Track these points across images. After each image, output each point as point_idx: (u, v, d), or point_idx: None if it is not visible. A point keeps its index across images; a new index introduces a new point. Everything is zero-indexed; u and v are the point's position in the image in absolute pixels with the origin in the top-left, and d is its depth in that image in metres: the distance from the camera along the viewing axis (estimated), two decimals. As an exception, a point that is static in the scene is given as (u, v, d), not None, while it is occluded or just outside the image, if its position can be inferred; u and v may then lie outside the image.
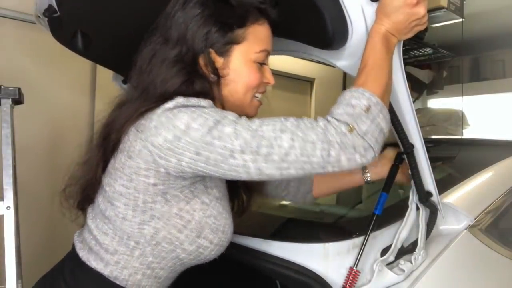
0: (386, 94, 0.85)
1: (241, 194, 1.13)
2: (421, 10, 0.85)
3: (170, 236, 0.88)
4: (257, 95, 0.98)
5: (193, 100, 0.84)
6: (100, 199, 0.93)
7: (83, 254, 0.93)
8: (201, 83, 0.90)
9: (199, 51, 0.91)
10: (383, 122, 0.80)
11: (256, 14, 0.93)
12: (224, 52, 0.92)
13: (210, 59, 0.91)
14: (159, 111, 0.82)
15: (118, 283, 0.89)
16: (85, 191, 0.99)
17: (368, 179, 1.21)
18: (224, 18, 0.90)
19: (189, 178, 0.85)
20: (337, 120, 0.79)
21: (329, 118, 0.80)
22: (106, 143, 0.93)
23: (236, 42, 0.92)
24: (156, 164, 0.82)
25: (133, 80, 0.96)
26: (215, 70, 0.92)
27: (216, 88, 0.93)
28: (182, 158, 0.80)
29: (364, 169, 1.22)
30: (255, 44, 0.93)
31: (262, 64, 0.96)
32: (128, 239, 0.88)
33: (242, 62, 0.93)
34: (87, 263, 0.91)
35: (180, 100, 0.83)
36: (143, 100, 0.89)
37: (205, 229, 0.89)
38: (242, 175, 0.80)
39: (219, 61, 0.92)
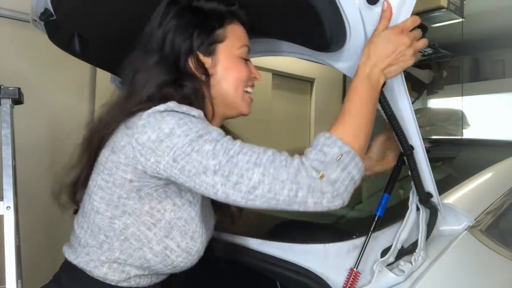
0: (361, 138, 0.83)
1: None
2: (406, 39, 0.87)
3: (138, 233, 0.90)
4: (248, 89, 1.03)
5: (184, 108, 0.86)
6: (84, 195, 0.97)
7: (65, 248, 0.99)
8: (190, 84, 0.94)
9: (186, 54, 0.96)
10: (355, 170, 0.80)
11: (229, 16, 1.01)
12: (210, 52, 0.98)
13: (199, 61, 0.97)
14: (149, 111, 0.85)
15: (87, 273, 0.93)
16: (75, 187, 1.02)
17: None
18: (204, 22, 0.97)
19: (163, 179, 0.87)
20: (310, 164, 0.79)
21: (304, 160, 0.80)
22: (93, 141, 0.96)
23: (219, 40, 0.99)
24: (136, 160, 0.84)
25: (122, 83, 1.01)
26: (205, 70, 0.97)
27: (206, 89, 0.98)
28: (160, 160, 0.82)
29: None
30: (235, 41, 1.01)
31: (246, 60, 1.02)
32: (99, 232, 0.91)
33: (229, 58, 0.99)
34: (65, 255, 0.97)
35: (171, 104, 0.86)
36: (132, 100, 0.92)
37: (174, 229, 0.90)
38: (210, 194, 0.81)
39: (207, 61, 0.98)
